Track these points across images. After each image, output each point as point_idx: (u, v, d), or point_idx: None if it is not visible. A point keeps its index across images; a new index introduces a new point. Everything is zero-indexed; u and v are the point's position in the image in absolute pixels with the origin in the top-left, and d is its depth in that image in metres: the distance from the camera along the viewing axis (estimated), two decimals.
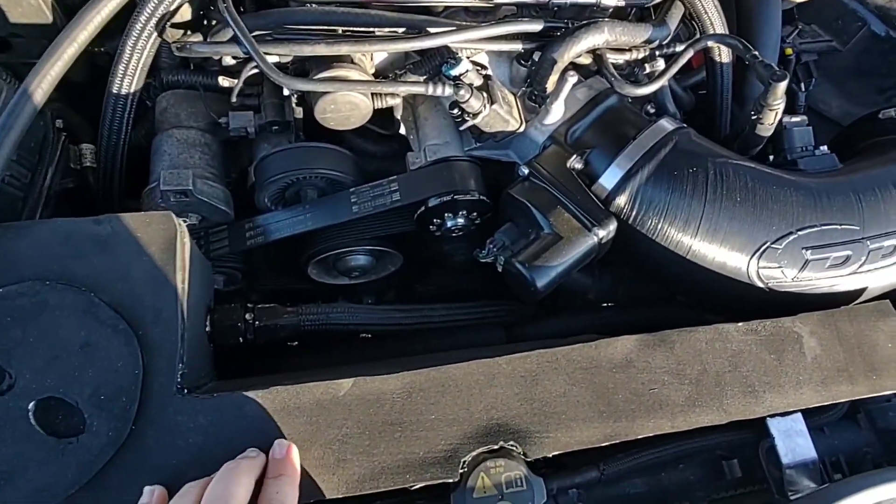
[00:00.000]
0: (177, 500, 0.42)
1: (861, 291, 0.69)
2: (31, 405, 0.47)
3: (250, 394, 0.51)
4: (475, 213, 0.72)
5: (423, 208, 0.70)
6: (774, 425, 0.65)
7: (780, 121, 0.76)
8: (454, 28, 0.64)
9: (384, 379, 0.53)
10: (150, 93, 0.78)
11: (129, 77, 0.67)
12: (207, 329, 0.62)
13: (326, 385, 0.52)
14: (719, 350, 0.61)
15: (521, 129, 0.72)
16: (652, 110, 0.76)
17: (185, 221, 0.72)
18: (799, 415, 0.66)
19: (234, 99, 0.70)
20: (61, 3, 0.73)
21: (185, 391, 0.50)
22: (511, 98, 0.71)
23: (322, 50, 0.61)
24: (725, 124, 0.86)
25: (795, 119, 0.75)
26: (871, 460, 0.71)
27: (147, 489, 0.45)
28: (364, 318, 0.69)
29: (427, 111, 0.75)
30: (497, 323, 0.82)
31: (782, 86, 0.65)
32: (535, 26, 0.67)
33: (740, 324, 0.62)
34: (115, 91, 0.68)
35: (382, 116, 0.76)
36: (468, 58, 0.68)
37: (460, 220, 0.71)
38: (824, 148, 0.75)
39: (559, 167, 0.70)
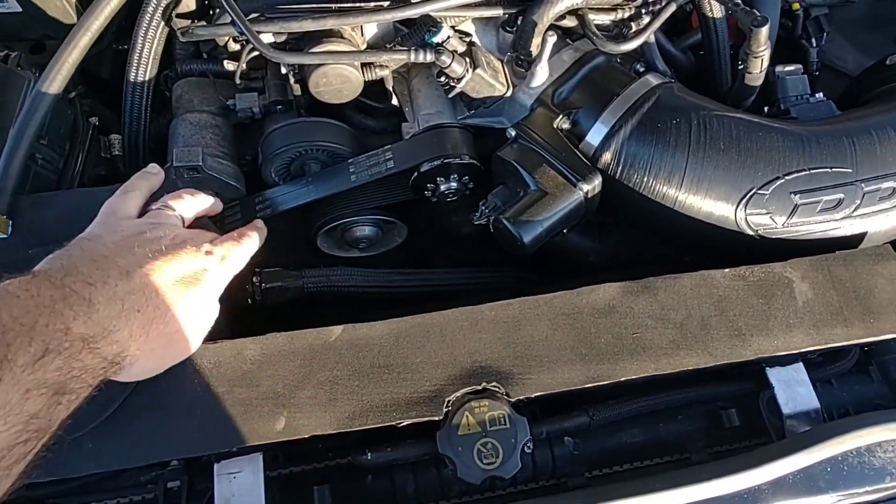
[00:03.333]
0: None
1: (860, 237, 0.68)
2: None
3: (249, 340, 0.55)
4: (467, 178, 0.74)
5: (416, 174, 0.73)
6: (774, 375, 0.65)
7: (774, 71, 0.75)
8: None
9: (372, 325, 0.57)
10: (168, 83, 0.84)
11: (142, 66, 0.73)
12: None
13: (318, 332, 0.56)
14: (705, 295, 0.62)
15: (509, 94, 0.74)
16: (641, 69, 0.76)
17: None
18: (800, 364, 0.66)
19: (237, 81, 0.75)
20: (85, 4, 0.80)
21: None
22: (497, 64, 0.74)
23: (309, 25, 0.65)
24: (725, 81, 0.86)
25: (789, 68, 0.75)
26: None
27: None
28: (362, 281, 0.72)
29: (420, 83, 0.79)
30: (503, 288, 0.85)
31: (764, 31, 0.65)
32: None
33: (727, 270, 0.63)
34: (131, 80, 0.74)
35: (378, 91, 0.80)
36: (453, 27, 0.71)
37: (453, 185, 0.74)
38: (820, 95, 0.74)
39: (547, 128, 0.72)
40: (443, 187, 0.74)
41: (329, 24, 0.65)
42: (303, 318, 0.81)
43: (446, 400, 0.55)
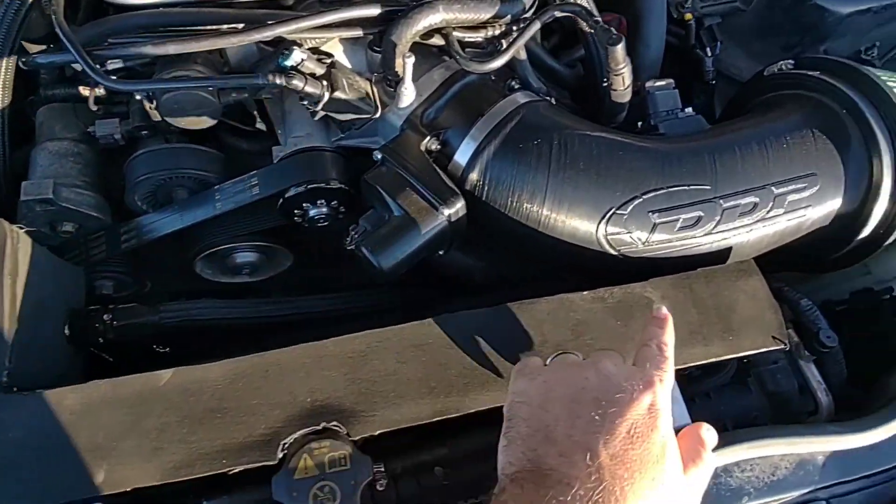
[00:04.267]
0: None
1: (725, 252, 0.68)
2: None
3: (70, 388, 0.52)
4: (336, 202, 0.72)
5: (282, 199, 0.70)
6: None
7: (644, 86, 0.75)
8: (284, 19, 0.65)
9: (207, 367, 0.54)
10: (33, 109, 0.80)
11: None
12: (67, 332, 0.64)
13: (146, 377, 0.53)
14: (562, 319, 0.61)
15: (378, 115, 0.72)
16: (517, 86, 0.75)
17: (62, 229, 0.74)
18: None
19: (92, 107, 0.71)
20: None
21: (14, 389, 0.52)
22: (363, 84, 0.71)
23: (150, 51, 0.62)
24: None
25: (660, 83, 0.74)
26: (760, 424, 0.70)
27: None
28: (226, 313, 0.70)
29: (292, 105, 0.76)
30: (390, 310, 0.83)
31: (619, 49, 0.64)
32: (372, 11, 0.68)
33: (586, 292, 0.62)
34: None
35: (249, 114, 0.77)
36: (315, 48, 0.69)
37: (323, 209, 0.72)
38: (689, 110, 0.73)
39: (414, 150, 0.70)
40: (312, 212, 0.72)
41: (170, 49, 0.62)
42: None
43: (282, 443, 0.52)
